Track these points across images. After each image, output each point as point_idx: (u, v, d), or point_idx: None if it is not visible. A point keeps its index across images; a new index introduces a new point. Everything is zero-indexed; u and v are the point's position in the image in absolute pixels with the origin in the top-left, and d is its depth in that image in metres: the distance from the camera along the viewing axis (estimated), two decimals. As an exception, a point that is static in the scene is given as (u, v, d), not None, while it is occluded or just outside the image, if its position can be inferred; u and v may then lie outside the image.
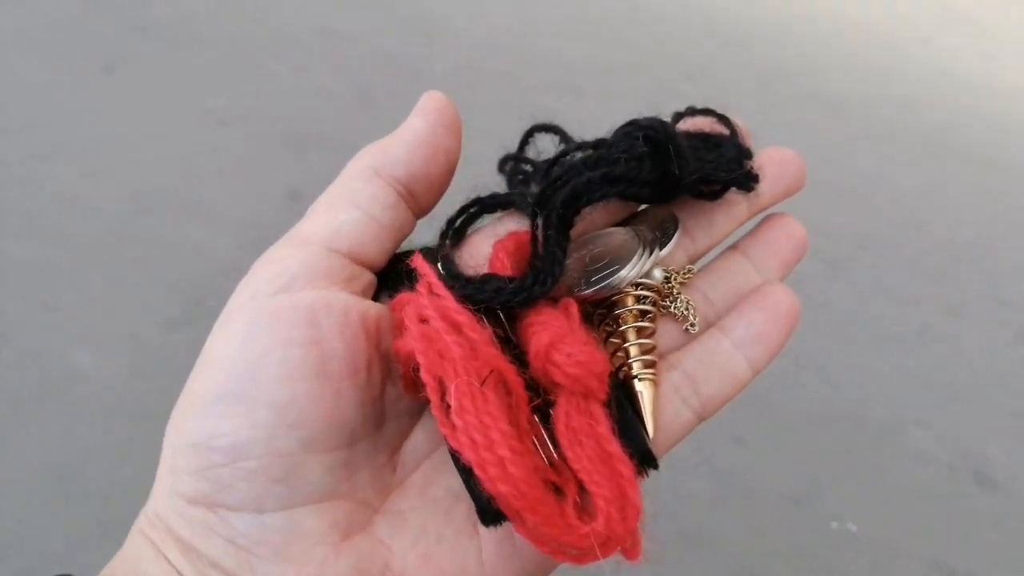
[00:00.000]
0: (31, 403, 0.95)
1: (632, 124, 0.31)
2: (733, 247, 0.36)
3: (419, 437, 0.31)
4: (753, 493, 1.03)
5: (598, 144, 0.31)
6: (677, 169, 0.30)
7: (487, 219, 0.34)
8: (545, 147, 0.37)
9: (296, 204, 1.21)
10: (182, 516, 0.28)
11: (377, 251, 0.31)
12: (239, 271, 0.31)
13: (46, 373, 0.98)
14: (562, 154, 0.32)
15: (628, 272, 0.31)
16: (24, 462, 0.90)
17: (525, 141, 0.37)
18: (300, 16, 1.52)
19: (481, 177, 0.36)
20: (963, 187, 1.47)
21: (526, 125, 0.38)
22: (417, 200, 0.32)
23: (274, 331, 0.28)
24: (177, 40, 1.45)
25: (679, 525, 0.97)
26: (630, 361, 0.31)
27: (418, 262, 0.29)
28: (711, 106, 0.36)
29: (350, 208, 0.30)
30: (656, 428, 0.30)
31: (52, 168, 1.23)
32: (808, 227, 1.15)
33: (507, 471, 0.25)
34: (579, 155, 0.31)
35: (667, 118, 0.34)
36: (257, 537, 0.27)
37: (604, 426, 0.27)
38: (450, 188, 0.33)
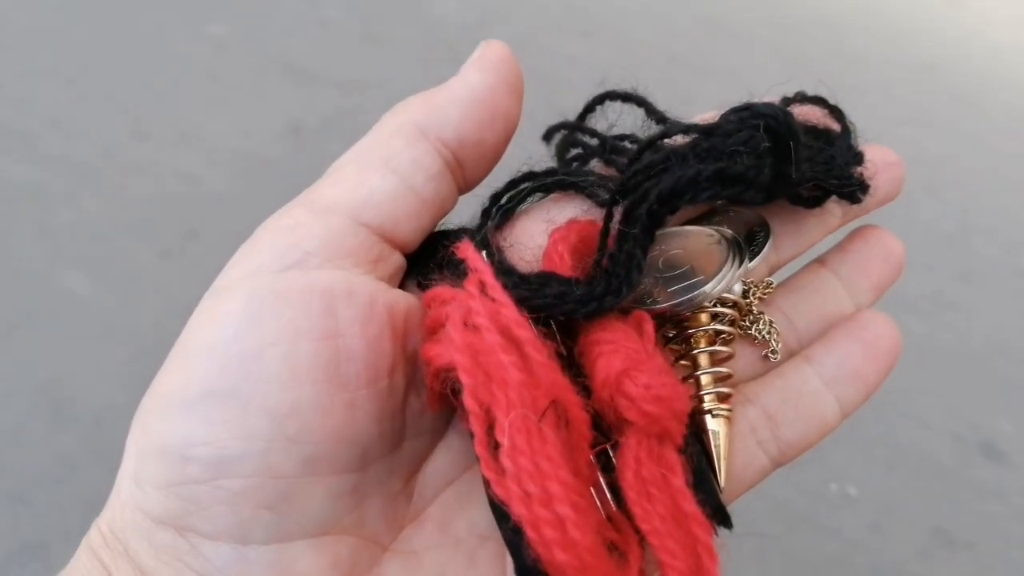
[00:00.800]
0: (25, 325, 0.95)
1: (748, 110, 0.25)
2: (819, 261, 0.31)
3: (441, 460, 0.27)
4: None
5: (710, 130, 0.25)
6: (795, 172, 0.25)
7: (536, 199, 0.28)
8: (618, 119, 0.31)
9: (296, 138, 1.20)
10: (145, 538, 0.23)
11: (412, 229, 0.26)
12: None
13: (40, 295, 0.98)
14: (661, 135, 0.26)
15: (714, 286, 0.26)
16: (18, 383, 0.91)
17: (591, 109, 0.31)
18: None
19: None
20: (985, 152, 1.47)
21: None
22: (465, 172, 0.27)
23: (280, 317, 0.23)
24: (177, -38, 1.44)
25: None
26: (702, 393, 0.26)
27: (468, 252, 0.24)
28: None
29: (386, 172, 0.25)
30: (728, 475, 0.26)
31: (47, 88, 1.21)
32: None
33: (568, 535, 0.20)
34: (680, 139, 0.26)
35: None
36: (237, 573, 0.23)
37: (680, 478, 0.22)
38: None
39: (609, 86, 0.31)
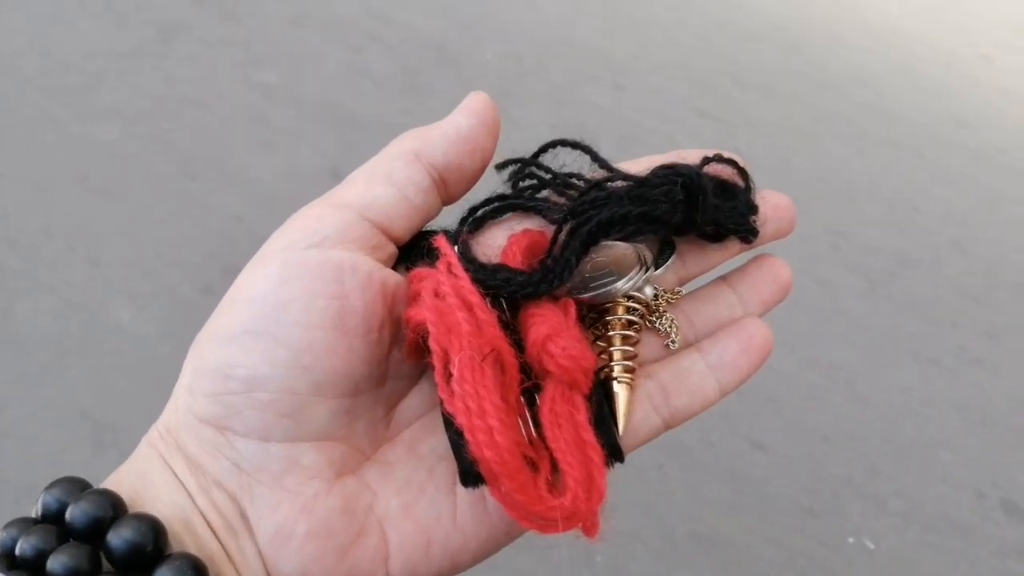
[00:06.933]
0: (72, 352, 1.01)
1: (672, 169, 0.34)
2: (722, 278, 0.39)
3: (414, 400, 0.35)
4: (770, 501, 1.04)
5: (642, 181, 0.34)
6: (700, 217, 0.34)
7: (503, 216, 0.37)
8: (564, 160, 0.39)
9: (336, 181, 1.25)
10: (193, 434, 0.31)
11: (404, 227, 0.34)
12: None
13: (87, 325, 1.03)
14: (607, 179, 0.35)
15: (623, 284, 0.34)
16: (63, 408, 0.96)
17: (543, 150, 0.40)
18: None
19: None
20: (1013, 209, 1.47)
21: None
22: (448, 189, 0.35)
23: (303, 280, 0.31)
24: (232, 14, 1.51)
25: (692, 525, 0.99)
26: (612, 364, 0.34)
27: (441, 243, 0.33)
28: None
29: (387, 184, 0.34)
30: (626, 427, 0.34)
31: (105, 129, 1.28)
32: (849, 240, 1.17)
33: (493, 438, 0.28)
34: (619, 183, 0.34)
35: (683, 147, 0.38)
36: (259, 463, 0.30)
37: (583, 415, 0.30)
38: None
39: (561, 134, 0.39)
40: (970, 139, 1.54)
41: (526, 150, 0.40)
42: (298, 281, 0.31)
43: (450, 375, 0.29)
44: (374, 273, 0.32)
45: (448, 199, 0.36)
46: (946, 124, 1.55)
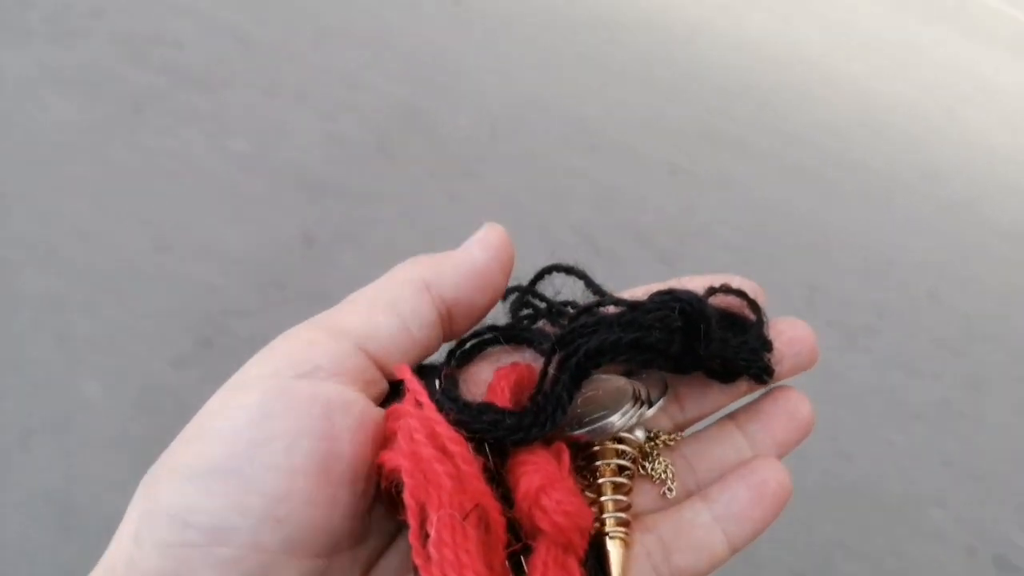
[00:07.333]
0: (39, 433, 0.97)
1: (670, 294, 0.31)
2: (729, 416, 0.35)
3: (392, 560, 0.30)
4: (760, 565, 1.02)
5: (635, 305, 0.31)
6: (703, 350, 0.31)
7: (494, 348, 0.34)
8: (559, 286, 0.37)
9: (309, 249, 1.24)
10: None
11: (400, 363, 0.31)
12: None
13: (55, 404, 1.00)
14: (596, 304, 0.32)
15: (618, 420, 0.31)
16: (28, 490, 0.92)
17: (539, 277, 0.37)
18: (327, 66, 1.58)
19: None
20: (986, 259, 1.48)
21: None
22: (453, 325, 0.32)
23: (288, 416, 0.27)
24: (204, 84, 1.51)
25: (681, 593, 0.97)
26: (603, 517, 0.30)
27: (406, 374, 0.29)
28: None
29: (390, 313, 0.30)
30: None
31: (73, 203, 1.26)
32: (826, 294, 1.17)
33: None
34: (611, 309, 0.31)
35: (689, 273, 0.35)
36: None
37: None
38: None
39: (557, 259, 0.37)
40: (938, 190, 1.57)
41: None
42: (283, 416, 0.27)
43: (427, 535, 0.25)
44: (367, 413, 0.28)
45: (451, 335, 0.33)
46: (915, 176, 1.58)
